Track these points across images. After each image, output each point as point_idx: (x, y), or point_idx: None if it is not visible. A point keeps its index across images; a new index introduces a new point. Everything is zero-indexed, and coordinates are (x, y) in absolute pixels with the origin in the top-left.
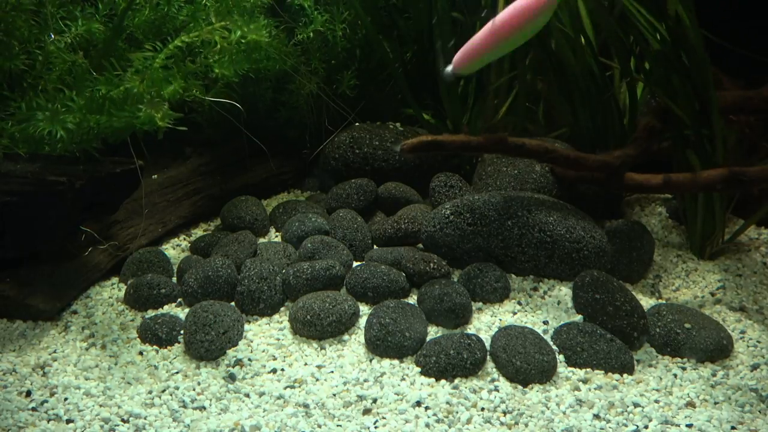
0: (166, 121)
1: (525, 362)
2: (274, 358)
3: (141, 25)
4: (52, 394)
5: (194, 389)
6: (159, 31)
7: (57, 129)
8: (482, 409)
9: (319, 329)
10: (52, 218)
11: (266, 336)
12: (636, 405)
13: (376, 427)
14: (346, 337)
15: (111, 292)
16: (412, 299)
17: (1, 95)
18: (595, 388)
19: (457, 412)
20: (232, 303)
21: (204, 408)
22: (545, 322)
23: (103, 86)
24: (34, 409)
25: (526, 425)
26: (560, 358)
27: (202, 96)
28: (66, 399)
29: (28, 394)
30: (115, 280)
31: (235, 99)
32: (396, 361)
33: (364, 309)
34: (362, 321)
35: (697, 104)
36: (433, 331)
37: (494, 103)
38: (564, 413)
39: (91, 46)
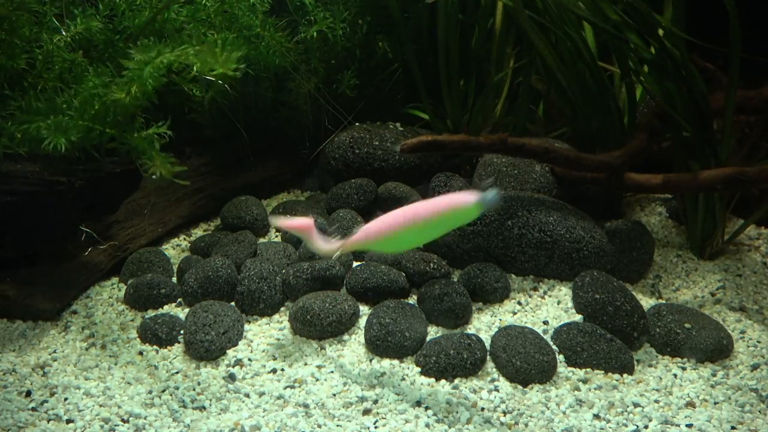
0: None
1: (525, 362)
2: (274, 358)
3: (141, 26)
4: (52, 394)
5: (194, 389)
6: (159, 32)
7: (61, 143)
8: (482, 409)
9: (319, 329)
10: (52, 218)
11: (266, 336)
12: (636, 405)
13: (376, 427)
14: (346, 337)
15: (111, 292)
16: (412, 299)
17: (2, 94)
18: (595, 388)
19: (457, 412)
20: (232, 303)
21: (204, 408)
22: (545, 322)
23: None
24: (34, 409)
25: (526, 425)
26: (560, 358)
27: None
28: (66, 399)
29: (28, 394)
30: (115, 280)
31: (235, 98)
32: (396, 361)
33: (364, 309)
34: (362, 321)
35: (695, 107)
36: (433, 331)
37: (494, 103)
38: (564, 413)
39: (92, 47)
